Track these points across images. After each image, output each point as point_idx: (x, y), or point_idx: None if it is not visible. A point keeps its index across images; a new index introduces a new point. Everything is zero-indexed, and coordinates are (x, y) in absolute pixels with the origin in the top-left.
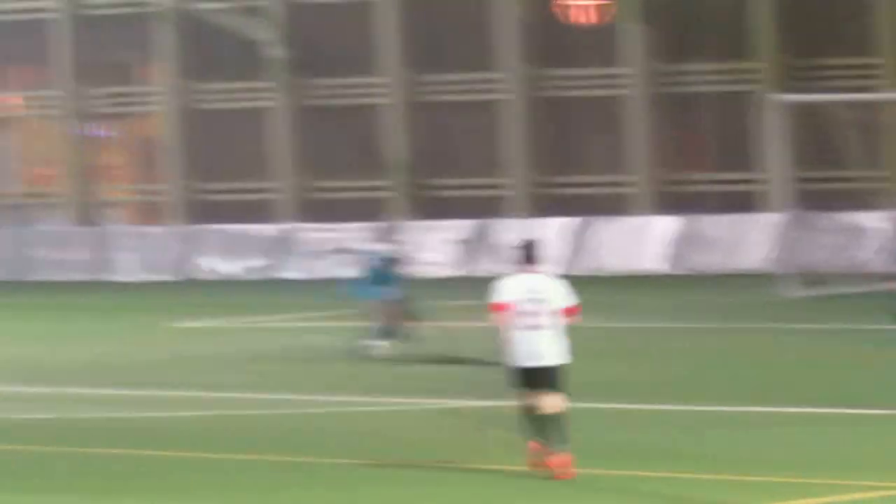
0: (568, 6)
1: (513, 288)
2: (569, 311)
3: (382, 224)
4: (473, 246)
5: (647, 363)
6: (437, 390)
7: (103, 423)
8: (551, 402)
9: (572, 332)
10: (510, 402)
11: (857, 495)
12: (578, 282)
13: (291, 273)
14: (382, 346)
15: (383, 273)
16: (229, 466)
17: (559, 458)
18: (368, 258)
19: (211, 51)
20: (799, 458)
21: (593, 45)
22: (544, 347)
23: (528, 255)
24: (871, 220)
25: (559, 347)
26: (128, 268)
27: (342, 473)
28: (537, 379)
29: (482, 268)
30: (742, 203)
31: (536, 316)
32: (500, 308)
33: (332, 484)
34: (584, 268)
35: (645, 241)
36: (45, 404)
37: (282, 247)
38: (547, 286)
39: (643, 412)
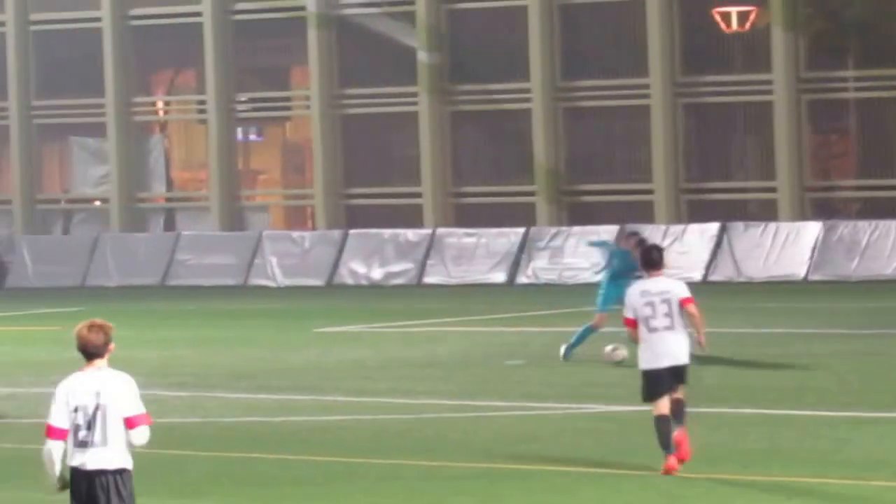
0: (721, 12)
1: (635, 297)
2: (686, 302)
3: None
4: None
5: (790, 368)
6: (581, 395)
7: (246, 427)
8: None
9: (716, 339)
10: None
11: None
12: (721, 286)
13: (437, 278)
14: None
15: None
16: (375, 471)
17: (679, 445)
18: (614, 261)
19: (360, 55)
20: None
21: (742, 51)
22: (667, 346)
23: (649, 259)
24: None
25: (682, 345)
26: (274, 272)
27: (483, 474)
28: (665, 378)
29: None
30: (889, 209)
31: (657, 318)
32: (628, 322)
33: (474, 488)
34: (728, 273)
35: (790, 246)
36: (188, 408)
37: (428, 251)
38: (666, 286)
39: (787, 417)
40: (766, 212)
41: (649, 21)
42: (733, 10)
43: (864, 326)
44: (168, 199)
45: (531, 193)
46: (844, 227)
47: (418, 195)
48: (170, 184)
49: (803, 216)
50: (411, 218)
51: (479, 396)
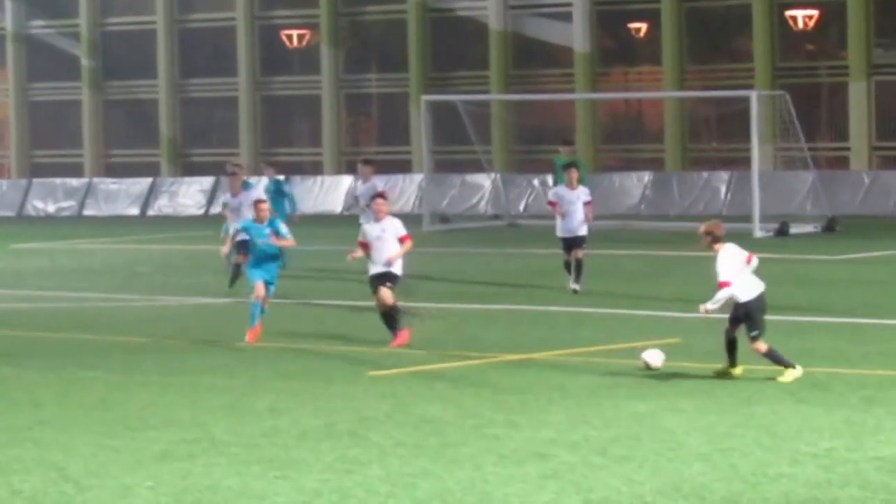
0: (287, 34)
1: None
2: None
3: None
4: (216, 195)
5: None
6: (194, 291)
7: None
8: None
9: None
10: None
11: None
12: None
13: (92, 211)
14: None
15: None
16: (51, 342)
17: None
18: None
19: (41, 59)
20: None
21: (301, 60)
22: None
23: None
24: (482, 179)
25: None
26: None
27: (122, 344)
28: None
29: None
30: (400, 167)
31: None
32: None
33: (117, 353)
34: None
35: (333, 192)
36: None
37: (86, 193)
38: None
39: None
40: (318, 168)
41: (239, 38)
42: (294, 33)
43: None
44: None
45: (158, 156)
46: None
47: (81, 156)
48: None
49: (342, 171)
50: (76, 171)
51: (120, 291)
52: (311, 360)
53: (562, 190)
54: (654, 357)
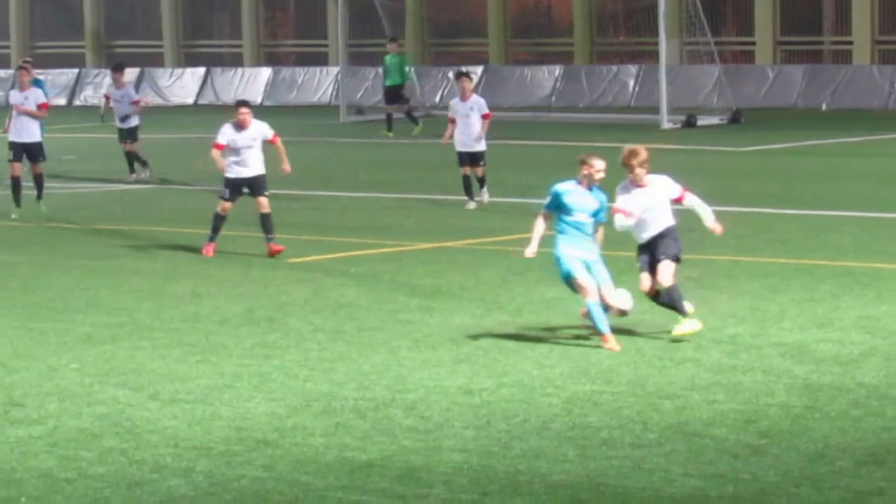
0: None
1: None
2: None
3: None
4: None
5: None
6: (109, 177)
7: None
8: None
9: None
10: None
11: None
12: (209, 108)
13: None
14: None
15: None
16: None
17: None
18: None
19: None
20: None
21: None
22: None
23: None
24: None
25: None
26: None
27: (52, 231)
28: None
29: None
30: (316, 60)
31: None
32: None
33: (46, 239)
34: (210, 99)
35: (252, 84)
36: None
37: (14, 85)
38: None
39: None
40: (235, 61)
41: None
42: None
43: (301, 134)
44: None
45: (83, 47)
46: (287, 71)
47: (7, 47)
48: None
49: (261, 63)
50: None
51: (46, 179)
52: (232, 246)
53: (455, 102)
54: (625, 301)
